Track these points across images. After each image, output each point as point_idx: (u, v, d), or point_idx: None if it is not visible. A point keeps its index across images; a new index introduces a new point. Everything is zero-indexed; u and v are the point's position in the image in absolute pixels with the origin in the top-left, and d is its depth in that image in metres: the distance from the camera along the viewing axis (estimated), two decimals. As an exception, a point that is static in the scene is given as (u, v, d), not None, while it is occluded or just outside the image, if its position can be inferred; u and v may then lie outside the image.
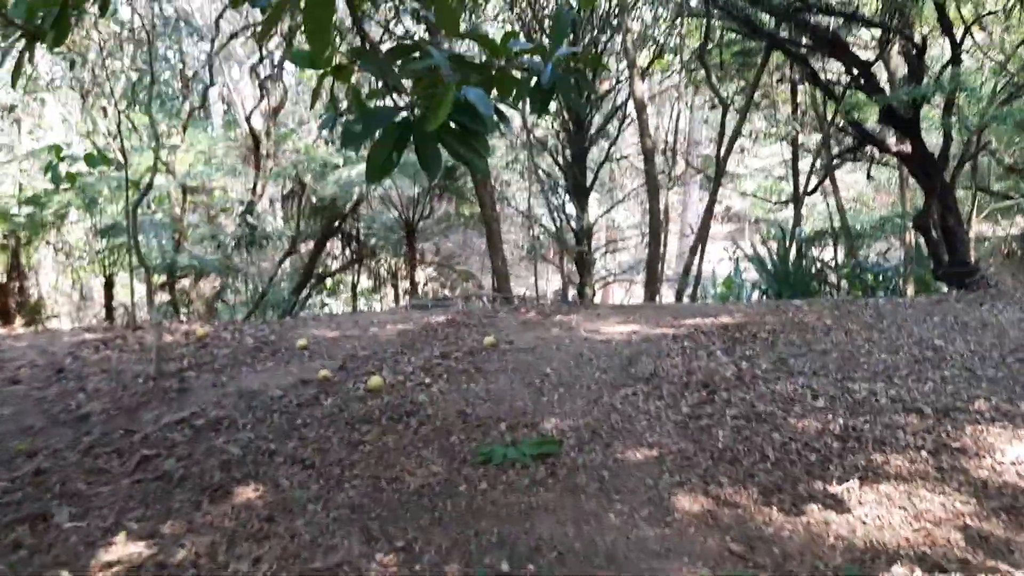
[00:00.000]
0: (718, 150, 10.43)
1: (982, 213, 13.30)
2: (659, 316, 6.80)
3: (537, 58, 3.65)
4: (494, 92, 3.89)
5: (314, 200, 12.45)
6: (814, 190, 12.27)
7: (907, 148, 10.34)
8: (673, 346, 5.57)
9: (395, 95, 3.34)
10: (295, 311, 13.43)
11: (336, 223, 13.56)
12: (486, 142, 3.29)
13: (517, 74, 3.72)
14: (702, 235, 10.22)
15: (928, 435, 3.47)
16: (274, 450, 4.01)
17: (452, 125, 3.23)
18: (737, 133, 10.27)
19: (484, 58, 3.60)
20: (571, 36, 13.32)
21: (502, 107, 3.98)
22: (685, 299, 10.41)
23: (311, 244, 13.90)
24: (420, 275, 15.87)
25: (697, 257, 10.22)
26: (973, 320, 5.63)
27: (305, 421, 4.46)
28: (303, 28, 2.72)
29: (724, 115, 10.16)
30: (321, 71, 2.88)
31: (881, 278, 10.35)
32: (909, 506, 2.90)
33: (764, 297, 9.71)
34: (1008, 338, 5.04)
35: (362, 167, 12.19)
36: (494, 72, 3.81)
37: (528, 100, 3.81)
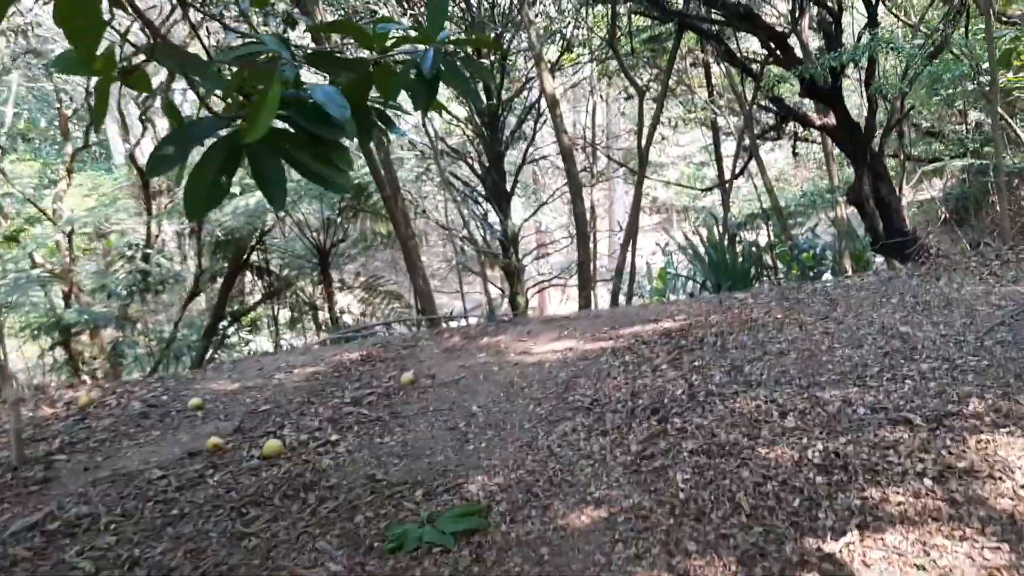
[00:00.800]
0: (639, 141, 9.89)
1: (911, 180, 13.07)
2: (595, 327, 6.17)
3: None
4: (373, 92, 3.21)
5: (218, 234, 11.53)
6: (740, 173, 11.85)
7: (831, 120, 9.97)
8: (614, 363, 4.94)
9: (227, 99, 2.63)
10: (208, 356, 12.48)
11: (245, 256, 12.64)
12: (346, 153, 2.58)
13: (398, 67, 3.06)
14: (631, 231, 9.66)
15: (926, 455, 2.88)
16: (138, 558, 3.22)
17: (297, 133, 2.54)
18: (656, 122, 9.76)
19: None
20: (471, 33, 12.68)
21: (390, 110, 3.32)
22: (621, 300, 9.84)
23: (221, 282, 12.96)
24: (348, 300, 15.03)
25: (629, 254, 9.66)
26: (934, 298, 5.13)
27: (183, 510, 3.67)
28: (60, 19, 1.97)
29: (641, 103, 9.63)
30: (100, 77, 2.12)
31: (817, 255, 9.94)
32: (928, 563, 2.29)
33: (702, 290, 9.20)
34: (979, 316, 4.53)
35: (260, 193, 11.31)
36: (372, 68, 3.13)
37: (412, 96, 3.14)
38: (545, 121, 15.88)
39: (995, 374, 3.56)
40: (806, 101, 11.74)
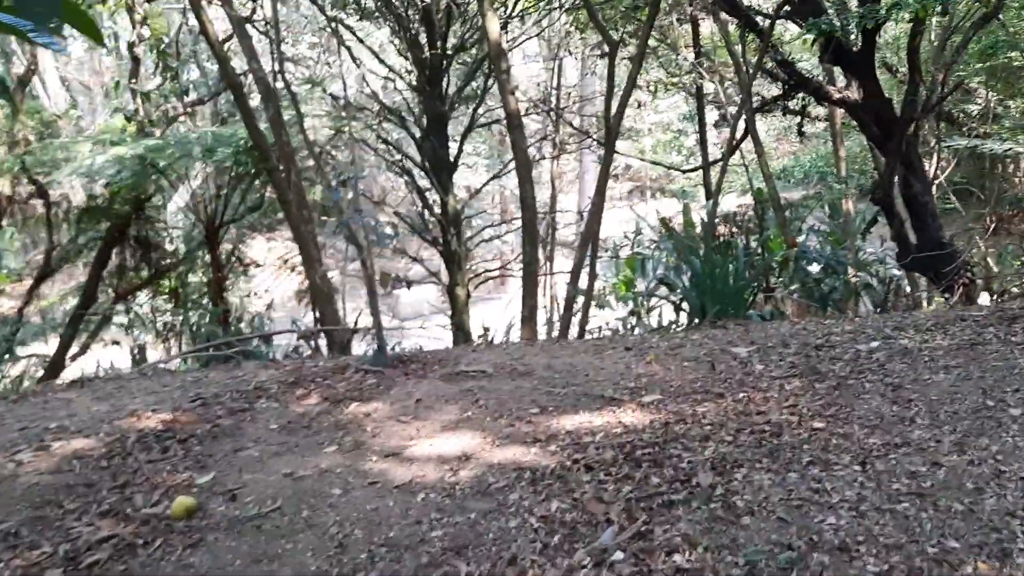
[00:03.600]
0: (607, 107, 7.62)
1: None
2: (518, 399, 3.98)
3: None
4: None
5: (76, 200, 9.12)
6: (733, 151, 9.65)
7: (854, 94, 7.79)
8: (529, 517, 2.74)
9: None
10: (73, 349, 10.16)
11: (124, 228, 10.25)
12: None
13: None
14: (592, 227, 7.46)
15: None
16: None
17: None
18: (632, 86, 7.49)
19: None
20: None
21: None
22: (575, 314, 7.67)
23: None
24: (258, 282, 12.70)
25: (588, 252, 7.48)
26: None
27: None
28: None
29: (612, 62, 7.34)
30: None
31: (829, 270, 7.81)
32: None
33: (677, 313, 7.05)
34: None
35: (117, 150, 8.91)
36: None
37: None
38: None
39: None
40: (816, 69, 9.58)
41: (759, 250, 8.47)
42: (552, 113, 12.06)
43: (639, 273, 11.61)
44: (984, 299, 7.36)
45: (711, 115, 13.52)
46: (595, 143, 14.48)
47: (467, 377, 4.49)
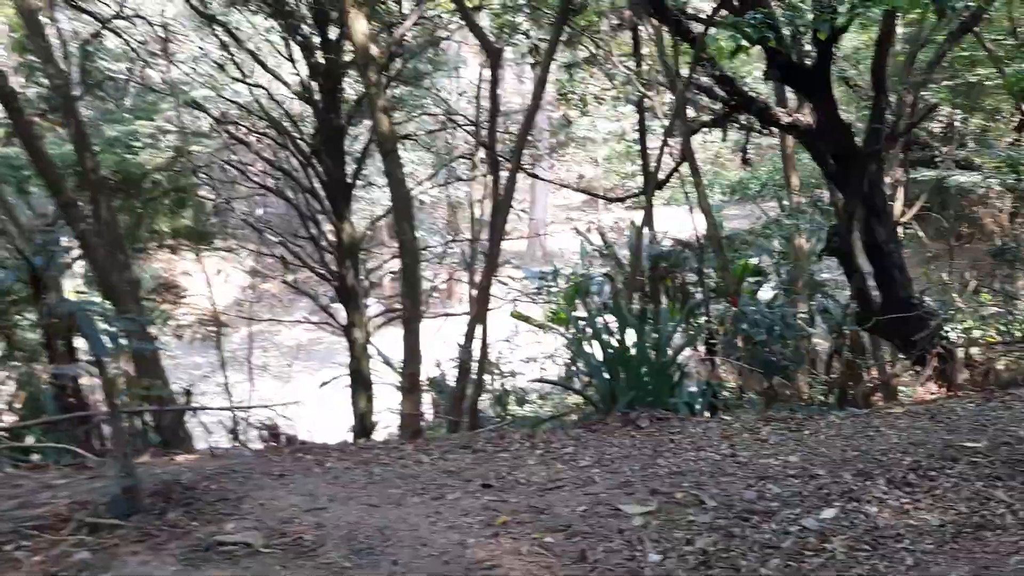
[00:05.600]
0: (491, 130, 6.11)
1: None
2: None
3: None
4: None
5: None
6: (665, 181, 8.26)
7: (806, 119, 6.41)
8: None
9: None
10: None
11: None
12: None
13: None
14: (486, 281, 5.97)
15: None
16: None
17: None
18: (537, 102, 6.02)
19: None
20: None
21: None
22: (469, 385, 6.17)
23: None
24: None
25: (479, 333, 6.01)
26: None
27: None
28: None
29: (495, 73, 5.81)
30: None
31: (777, 331, 6.40)
32: None
33: (586, 398, 5.59)
34: None
35: None
36: None
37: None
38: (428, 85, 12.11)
39: None
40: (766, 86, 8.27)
41: (698, 301, 7.11)
42: (471, 129, 10.56)
43: (581, 298, 10.19)
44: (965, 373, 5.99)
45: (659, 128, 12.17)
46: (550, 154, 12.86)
47: (220, 557, 2.95)
